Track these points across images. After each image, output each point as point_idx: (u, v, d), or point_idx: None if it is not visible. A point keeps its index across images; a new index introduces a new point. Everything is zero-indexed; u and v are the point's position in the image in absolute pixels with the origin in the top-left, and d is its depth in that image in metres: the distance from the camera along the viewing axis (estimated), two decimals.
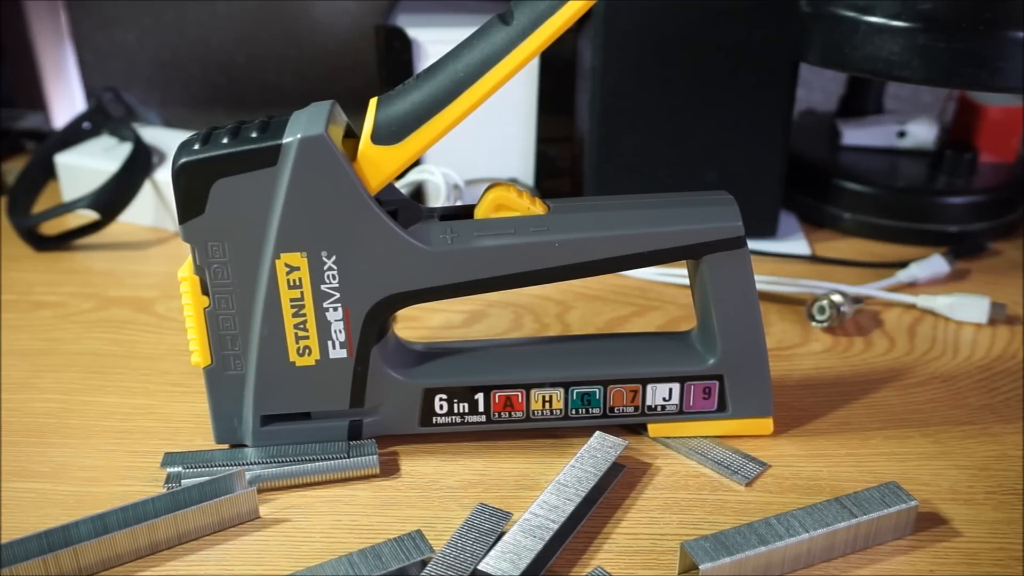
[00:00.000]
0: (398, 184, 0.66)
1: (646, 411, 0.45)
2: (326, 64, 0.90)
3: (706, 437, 0.46)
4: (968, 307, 0.57)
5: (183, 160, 0.40)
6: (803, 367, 0.52)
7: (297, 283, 0.41)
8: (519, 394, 0.44)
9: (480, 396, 0.44)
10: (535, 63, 0.67)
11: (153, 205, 0.69)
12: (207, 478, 0.40)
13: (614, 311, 0.58)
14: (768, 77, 0.61)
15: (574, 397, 0.45)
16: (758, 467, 0.44)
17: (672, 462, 0.45)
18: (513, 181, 0.67)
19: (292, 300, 0.42)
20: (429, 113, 0.40)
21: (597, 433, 0.44)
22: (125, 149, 0.70)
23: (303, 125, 0.40)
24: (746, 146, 0.63)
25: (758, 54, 0.60)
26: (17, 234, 0.66)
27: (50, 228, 0.68)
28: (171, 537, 0.39)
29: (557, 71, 0.67)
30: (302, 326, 0.42)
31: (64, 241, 0.66)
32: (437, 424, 0.45)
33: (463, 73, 0.40)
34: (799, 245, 0.67)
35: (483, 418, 0.45)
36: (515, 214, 0.43)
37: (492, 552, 0.37)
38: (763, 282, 0.59)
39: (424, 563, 0.37)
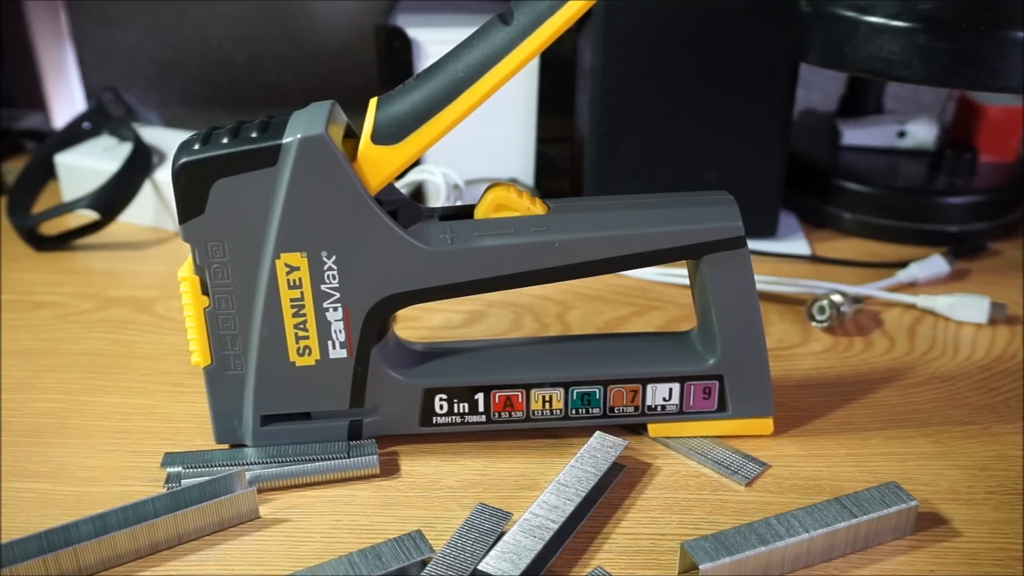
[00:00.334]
0: (398, 184, 0.66)
1: (646, 411, 0.45)
2: (326, 64, 0.90)
3: (706, 437, 0.46)
4: (968, 307, 0.57)
5: (183, 160, 0.40)
6: (803, 367, 0.52)
7: (297, 283, 0.41)
8: (519, 394, 0.44)
9: (480, 396, 0.44)
10: (535, 63, 0.67)
11: (153, 205, 0.69)
12: (207, 478, 0.40)
13: (614, 311, 0.58)
14: (768, 77, 0.61)
15: (574, 397, 0.45)
16: (758, 467, 0.44)
17: (672, 462, 0.45)
18: (513, 181, 0.68)
19: (292, 300, 0.42)
20: (429, 113, 0.40)
21: (597, 433, 0.44)
22: (125, 149, 0.70)
23: (303, 125, 0.40)
24: (746, 146, 0.63)
25: (758, 54, 0.60)
26: (17, 234, 0.66)
27: (50, 228, 0.68)
28: (171, 537, 0.39)
29: (557, 71, 0.67)
30: (302, 326, 0.42)
31: (64, 241, 0.66)
32: (437, 424, 0.45)
33: (463, 73, 0.40)
34: (799, 245, 0.67)
35: (483, 418, 0.45)
36: (515, 214, 0.43)
37: (492, 552, 0.37)
38: (763, 282, 0.59)
39: (424, 563, 0.37)
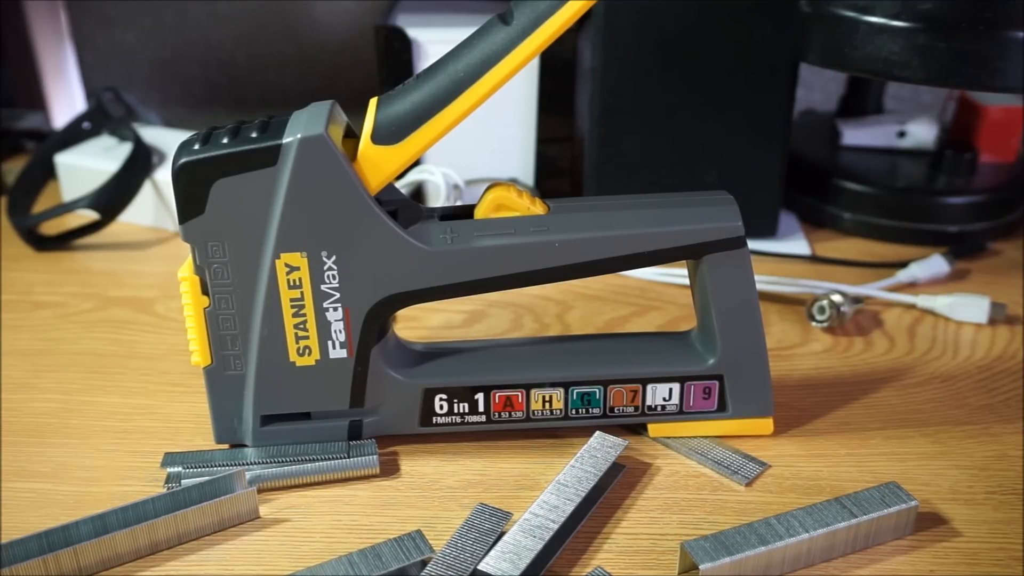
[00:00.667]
0: (398, 184, 0.66)
1: (646, 411, 0.45)
2: (326, 64, 0.90)
3: (706, 437, 0.46)
4: (968, 307, 0.57)
5: (183, 160, 0.40)
6: (803, 367, 0.52)
7: (297, 283, 0.41)
8: (519, 394, 0.44)
9: (480, 396, 0.44)
10: (535, 63, 0.67)
11: (153, 205, 0.69)
12: (207, 478, 0.40)
13: (614, 311, 0.58)
14: (768, 77, 0.61)
15: (574, 397, 0.45)
16: (758, 467, 0.44)
17: (672, 462, 0.45)
18: (513, 181, 0.68)
19: (292, 300, 0.42)
20: (429, 113, 0.40)
21: (597, 433, 0.44)
22: (125, 149, 0.70)
23: (303, 125, 0.40)
24: (746, 146, 0.63)
25: (758, 54, 0.60)
26: (17, 234, 0.66)
27: (50, 228, 0.68)
28: (171, 537, 0.39)
29: (557, 71, 0.67)
30: (302, 326, 0.42)
31: (64, 241, 0.66)
32: (437, 424, 0.45)
33: (463, 73, 0.40)
34: (799, 245, 0.67)
35: (483, 418, 0.45)
36: (515, 214, 0.43)
37: (492, 552, 0.37)
38: (763, 282, 0.59)
39: (424, 563, 0.37)
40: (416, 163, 0.68)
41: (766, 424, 0.46)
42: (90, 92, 0.93)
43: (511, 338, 0.55)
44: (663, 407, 0.45)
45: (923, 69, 0.55)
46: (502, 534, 0.39)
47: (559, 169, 0.70)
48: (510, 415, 0.45)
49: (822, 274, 0.62)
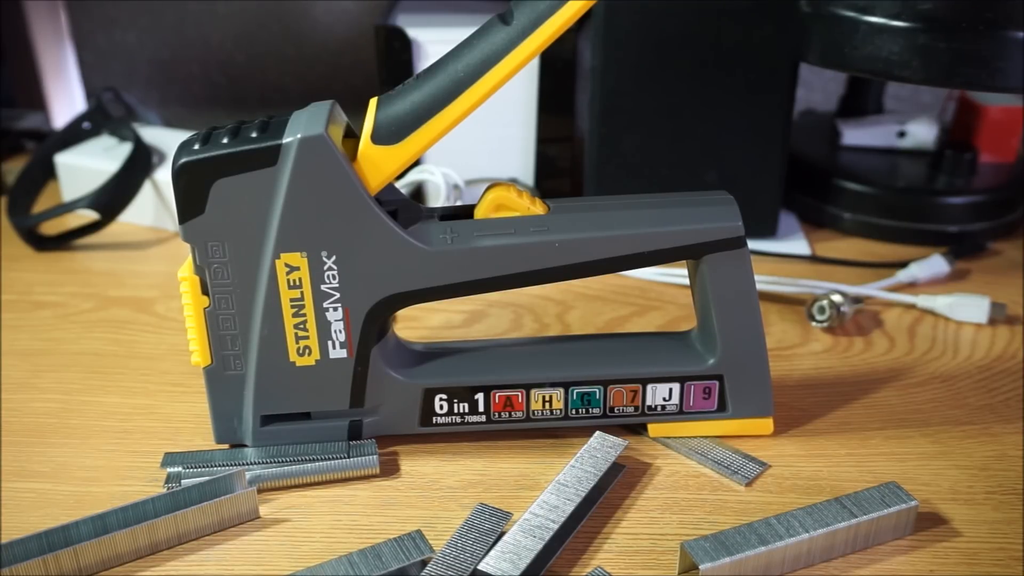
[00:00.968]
0: (398, 184, 0.66)
1: (646, 411, 0.45)
2: (326, 64, 0.90)
3: (706, 437, 0.46)
4: (968, 307, 0.57)
5: (183, 160, 0.40)
6: (803, 367, 0.52)
7: (297, 283, 0.41)
8: (519, 394, 0.44)
9: (480, 396, 0.44)
10: (535, 63, 0.67)
11: (153, 205, 0.69)
12: (207, 478, 0.40)
13: (614, 311, 0.58)
14: (768, 77, 0.61)
15: (574, 397, 0.45)
16: (758, 467, 0.44)
17: (672, 462, 0.45)
18: (513, 181, 0.67)
19: (292, 300, 0.42)
20: (429, 113, 0.40)
21: (597, 433, 0.44)
22: (125, 149, 0.70)
23: (303, 125, 0.40)
24: (746, 146, 0.63)
25: (758, 54, 0.60)
26: (17, 234, 0.66)
27: (50, 228, 0.68)
28: (171, 537, 0.39)
29: (557, 71, 0.67)
30: (302, 326, 0.42)
31: (64, 241, 0.66)
32: (437, 424, 0.45)
33: (463, 73, 0.40)
34: (799, 245, 0.67)
35: (483, 418, 0.45)
36: (515, 214, 0.43)
37: (492, 552, 0.37)
38: (763, 282, 0.59)
39: (424, 563, 0.37)
40: (416, 163, 0.68)
41: (766, 424, 0.46)
42: (90, 92, 0.93)
43: (511, 338, 0.55)
44: (663, 407, 0.45)
45: (923, 69, 0.55)
46: (502, 534, 0.39)
47: (559, 169, 0.70)
48: (510, 415, 0.45)
49: (822, 274, 0.62)
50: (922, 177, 0.70)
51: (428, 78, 0.40)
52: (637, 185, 0.65)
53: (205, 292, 0.41)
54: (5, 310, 0.58)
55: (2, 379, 0.51)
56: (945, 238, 0.67)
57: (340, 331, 0.42)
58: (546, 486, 0.41)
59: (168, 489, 0.42)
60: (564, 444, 0.46)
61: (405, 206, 0.44)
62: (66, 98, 0.93)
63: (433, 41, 0.66)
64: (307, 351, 0.43)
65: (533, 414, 0.45)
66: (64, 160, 0.70)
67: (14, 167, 0.75)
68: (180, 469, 0.43)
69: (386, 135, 0.40)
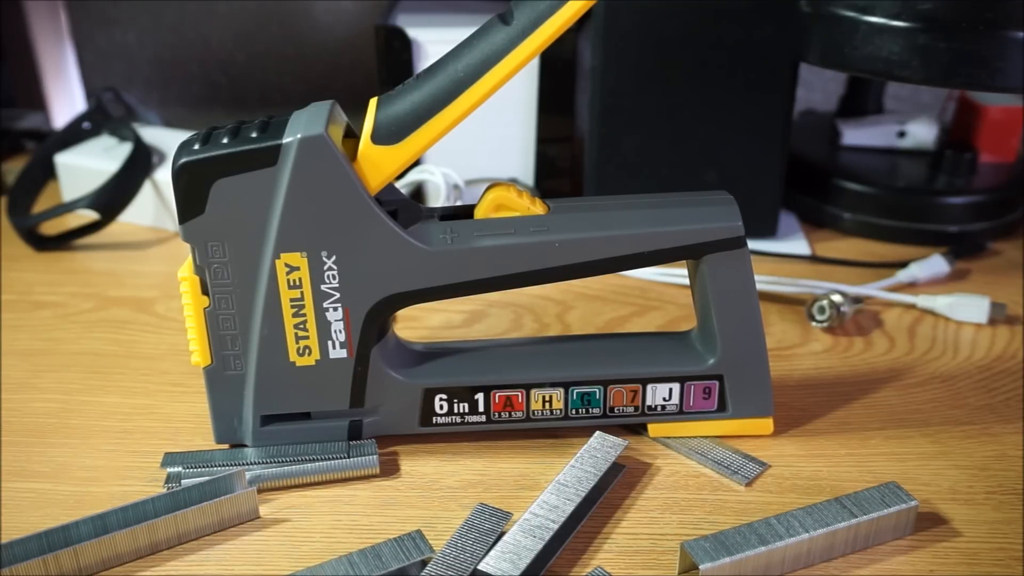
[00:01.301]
0: (398, 184, 0.66)
1: (646, 411, 0.45)
2: (326, 64, 0.90)
3: (706, 437, 0.46)
4: (968, 307, 0.57)
5: (183, 160, 0.40)
6: (803, 367, 0.52)
7: (297, 283, 0.41)
8: (519, 394, 0.44)
9: (480, 396, 0.44)
10: (535, 63, 0.67)
11: (153, 205, 0.69)
12: (207, 478, 0.40)
13: (614, 311, 0.58)
14: (768, 77, 0.61)
15: (574, 397, 0.45)
16: (758, 467, 0.44)
17: (672, 462, 0.45)
18: (513, 181, 0.67)
19: (292, 300, 0.42)
20: (429, 113, 0.40)
21: (597, 433, 0.44)
22: (125, 149, 0.70)
23: (303, 125, 0.40)
24: (746, 146, 0.63)
25: (758, 54, 0.60)
26: (17, 234, 0.66)
27: (50, 228, 0.68)
28: (171, 537, 0.39)
29: (557, 71, 0.67)
30: (302, 326, 0.42)
31: (64, 241, 0.66)
32: (437, 424, 0.45)
33: (463, 73, 0.40)
34: (799, 245, 0.67)
35: (483, 418, 0.45)
36: (515, 214, 0.43)
37: (492, 552, 0.37)
38: (763, 282, 0.59)
39: (424, 563, 0.37)
40: (416, 163, 0.68)
41: (766, 424, 0.46)
42: (90, 92, 0.93)
43: (511, 338, 0.55)
44: (663, 407, 0.45)
45: (923, 69, 0.55)
46: (502, 534, 0.39)
47: (559, 169, 0.70)
48: (510, 415, 0.45)
49: (822, 274, 0.62)
50: (922, 177, 0.70)
51: (428, 78, 0.40)
52: (637, 185, 0.65)
53: (205, 292, 0.41)
54: (5, 310, 0.58)
55: (2, 379, 0.51)
56: (945, 238, 0.67)
57: (340, 331, 0.42)
58: (546, 486, 0.41)
59: (168, 489, 0.42)
60: (564, 444, 0.46)
61: (405, 206, 0.44)
62: (66, 98, 0.93)
63: (433, 41, 0.66)
64: (307, 351, 0.43)
65: (533, 414, 0.45)
66: (64, 160, 0.70)
67: (14, 167, 0.75)
68: (180, 469, 0.43)
69: (386, 135, 0.40)
